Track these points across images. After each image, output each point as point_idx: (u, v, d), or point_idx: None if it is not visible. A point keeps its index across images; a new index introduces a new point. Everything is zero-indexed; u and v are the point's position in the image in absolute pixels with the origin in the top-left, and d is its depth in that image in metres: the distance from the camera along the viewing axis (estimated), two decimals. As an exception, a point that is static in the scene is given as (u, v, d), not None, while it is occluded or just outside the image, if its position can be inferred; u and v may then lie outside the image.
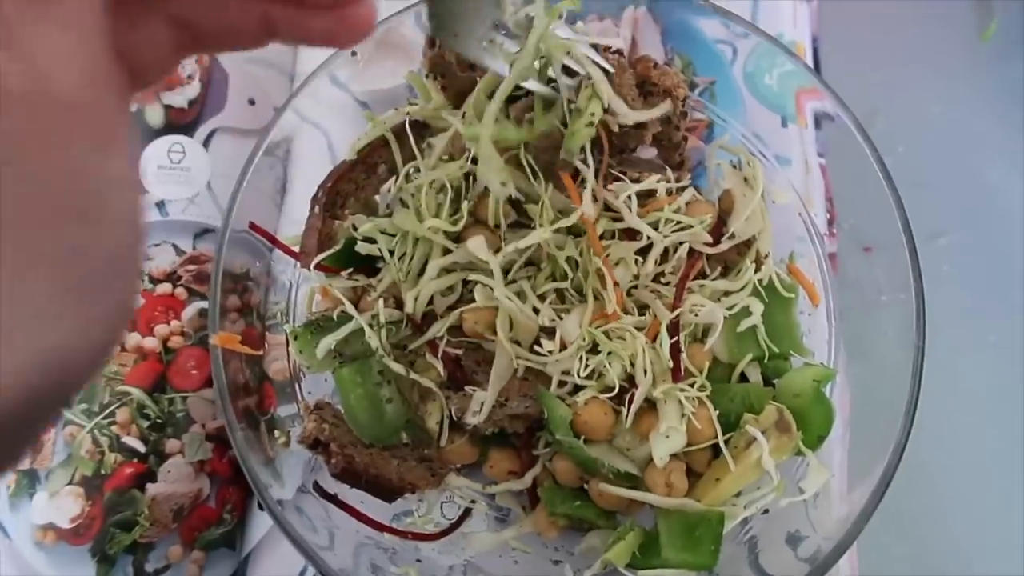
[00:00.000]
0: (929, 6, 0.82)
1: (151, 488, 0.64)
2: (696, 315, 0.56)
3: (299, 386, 0.63)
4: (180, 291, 0.69)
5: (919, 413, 0.71)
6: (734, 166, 0.62)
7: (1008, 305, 0.73)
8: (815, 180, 0.71)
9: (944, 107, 0.79)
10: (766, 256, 0.63)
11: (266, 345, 0.66)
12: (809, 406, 0.56)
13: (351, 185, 0.62)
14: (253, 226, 0.61)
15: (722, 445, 0.54)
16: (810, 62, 0.79)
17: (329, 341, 0.56)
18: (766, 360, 0.59)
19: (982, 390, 0.71)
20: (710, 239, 0.59)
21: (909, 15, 0.82)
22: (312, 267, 0.59)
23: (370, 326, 0.56)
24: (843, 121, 0.61)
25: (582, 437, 0.55)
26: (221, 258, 0.58)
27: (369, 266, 0.61)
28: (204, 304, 0.69)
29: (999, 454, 0.70)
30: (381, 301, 0.57)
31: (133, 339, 0.66)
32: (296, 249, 0.63)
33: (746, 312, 0.59)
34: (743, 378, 0.60)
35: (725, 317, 0.57)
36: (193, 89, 0.73)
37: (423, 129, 0.64)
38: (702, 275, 0.60)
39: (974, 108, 0.79)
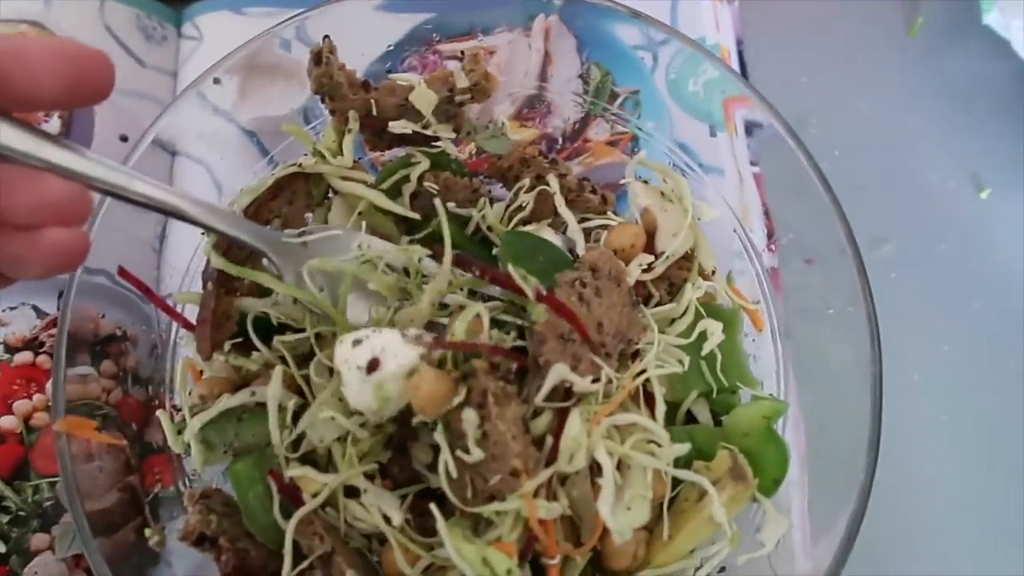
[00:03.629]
0: (855, 3, 0.78)
1: (14, 595, 0.55)
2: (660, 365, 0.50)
3: (182, 464, 0.54)
4: (43, 359, 0.60)
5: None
6: (645, 182, 0.57)
7: (960, 312, 0.69)
8: (750, 191, 0.66)
9: (877, 107, 0.75)
10: (712, 272, 0.58)
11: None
12: (761, 446, 0.50)
13: (243, 252, 0.54)
14: (123, 272, 0.52)
15: (665, 511, 0.47)
16: (735, 66, 0.75)
17: (196, 424, 0.48)
18: (713, 395, 0.53)
19: (938, 404, 0.67)
20: (650, 258, 0.54)
21: (834, 14, 0.78)
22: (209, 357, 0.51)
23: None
24: (774, 128, 0.56)
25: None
26: (67, 319, 0.49)
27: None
28: (75, 371, 0.60)
29: (963, 472, 0.65)
30: (279, 382, 0.49)
31: (-14, 419, 0.57)
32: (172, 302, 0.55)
33: (702, 338, 0.53)
34: (690, 417, 0.54)
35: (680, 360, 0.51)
36: (52, 127, 0.65)
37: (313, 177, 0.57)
38: (647, 299, 0.56)
39: (907, 106, 0.75)
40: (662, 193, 0.57)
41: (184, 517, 0.54)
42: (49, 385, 0.59)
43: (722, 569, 0.50)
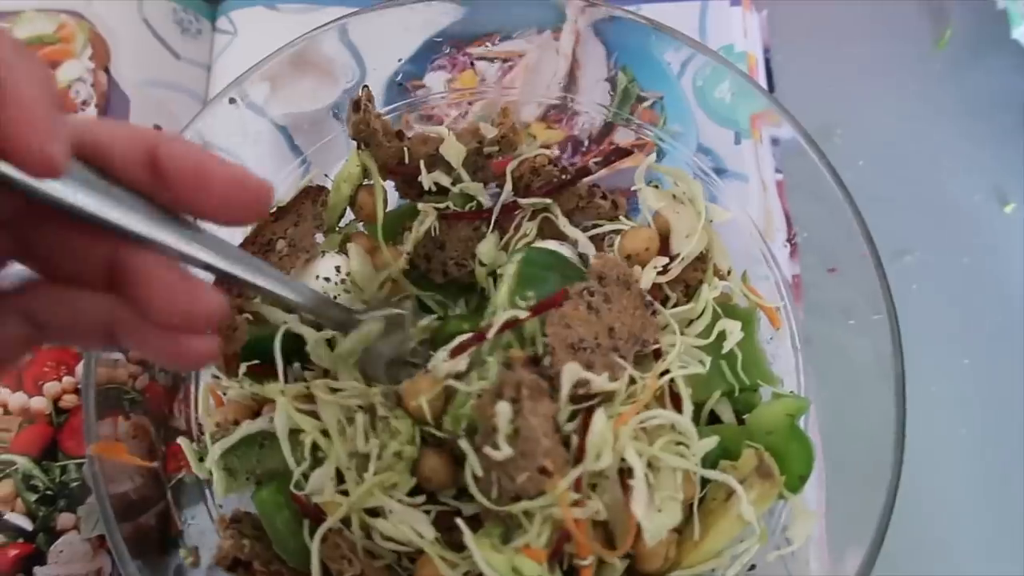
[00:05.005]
0: (882, 14, 0.78)
1: (40, 572, 0.56)
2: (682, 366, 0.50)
3: (209, 490, 0.55)
4: (74, 343, 0.61)
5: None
6: (656, 186, 0.58)
7: (982, 325, 0.69)
8: (773, 199, 0.66)
9: (903, 118, 0.75)
10: (728, 272, 0.58)
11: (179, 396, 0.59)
12: (785, 443, 0.50)
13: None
14: None
15: (695, 511, 0.48)
16: (762, 74, 0.75)
17: (217, 451, 0.49)
18: (736, 394, 0.53)
19: (958, 417, 0.67)
20: (665, 260, 0.55)
21: (862, 23, 0.78)
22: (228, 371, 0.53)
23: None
24: (798, 141, 0.57)
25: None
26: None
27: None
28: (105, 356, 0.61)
29: (982, 485, 0.65)
30: (284, 414, 0.49)
31: (18, 400, 0.58)
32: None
33: (721, 337, 0.53)
34: (712, 417, 0.54)
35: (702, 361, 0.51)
36: (89, 113, 0.66)
37: (320, 192, 0.59)
38: (664, 301, 0.56)
39: (933, 118, 0.75)
40: (674, 196, 0.57)
41: (203, 506, 0.55)
42: (79, 367, 0.61)
43: (752, 567, 0.50)
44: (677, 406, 0.48)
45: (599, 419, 0.44)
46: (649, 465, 0.45)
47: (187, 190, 0.33)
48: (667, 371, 0.49)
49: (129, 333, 0.35)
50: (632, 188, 0.60)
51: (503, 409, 0.42)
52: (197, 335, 0.34)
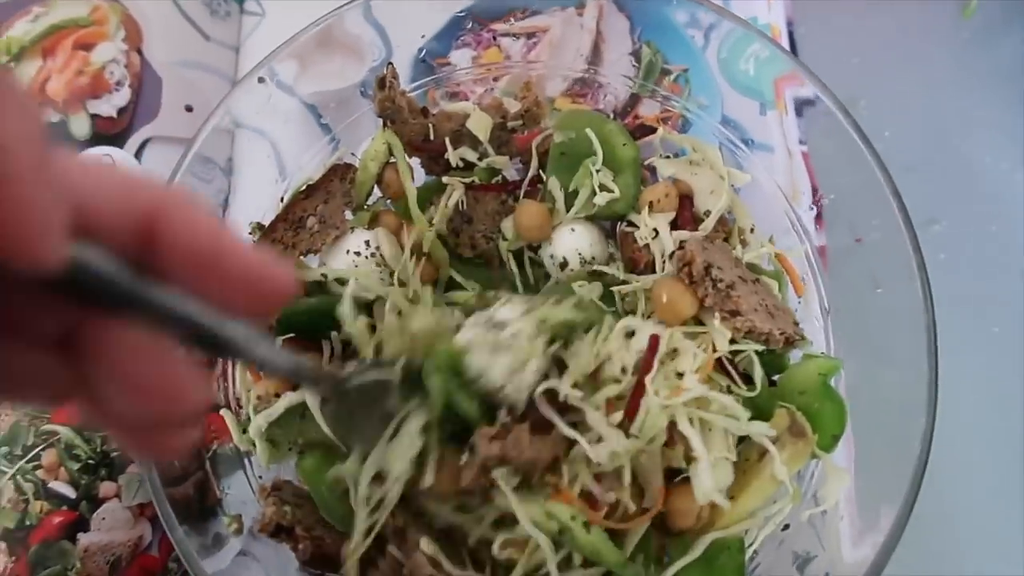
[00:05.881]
0: (907, -16, 0.78)
1: (83, 538, 0.57)
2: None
3: (248, 460, 0.56)
4: (112, 317, 0.62)
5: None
6: (666, 157, 0.59)
7: (1011, 293, 0.69)
8: (799, 169, 0.66)
9: (928, 88, 0.75)
10: (751, 230, 0.59)
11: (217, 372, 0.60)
12: (818, 403, 0.50)
13: (278, 246, 0.57)
14: None
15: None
16: (786, 46, 0.75)
17: (261, 422, 0.51)
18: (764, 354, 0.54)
19: (989, 385, 0.66)
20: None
21: (886, -6, 0.78)
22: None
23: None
24: (826, 106, 0.57)
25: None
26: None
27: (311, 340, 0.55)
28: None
29: (1011, 455, 0.65)
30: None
31: (60, 372, 0.60)
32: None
33: None
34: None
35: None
36: (122, 96, 0.67)
37: (349, 170, 0.60)
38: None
39: (960, 88, 0.75)
40: (690, 161, 0.58)
41: (241, 476, 0.57)
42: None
43: (786, 527, 0.50)
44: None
45: (653, 405, 0.45)
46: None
47: (191, 272, 0.27)
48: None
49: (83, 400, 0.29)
50: (646, 161, 0.60)
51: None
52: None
